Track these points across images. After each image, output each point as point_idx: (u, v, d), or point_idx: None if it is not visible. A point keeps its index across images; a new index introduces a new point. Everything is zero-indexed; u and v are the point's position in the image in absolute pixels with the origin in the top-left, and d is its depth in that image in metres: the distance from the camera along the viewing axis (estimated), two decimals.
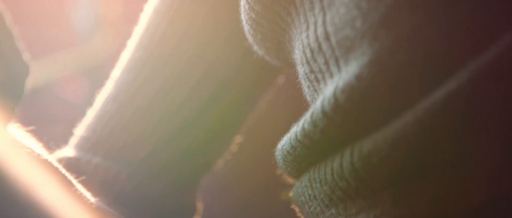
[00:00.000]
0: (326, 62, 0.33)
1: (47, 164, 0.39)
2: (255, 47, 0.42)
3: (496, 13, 0.29)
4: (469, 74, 0.28)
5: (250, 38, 0.41)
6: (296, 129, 0.35)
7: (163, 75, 0.51)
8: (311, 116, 0.33)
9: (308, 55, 0.34)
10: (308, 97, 0.37)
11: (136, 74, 0.52)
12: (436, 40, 0.29)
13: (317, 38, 0.33)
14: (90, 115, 0.54)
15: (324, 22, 0.33)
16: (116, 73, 0.54)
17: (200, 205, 0.55)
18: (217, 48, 0.50)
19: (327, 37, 0.33)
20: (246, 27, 0.40)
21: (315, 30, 0.34)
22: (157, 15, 0.52)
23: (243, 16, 0.40)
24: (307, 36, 0.35)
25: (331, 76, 0.33)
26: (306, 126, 0.34)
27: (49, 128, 1.87)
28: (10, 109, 0.38)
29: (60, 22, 1.90)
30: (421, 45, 0.29)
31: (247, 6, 0.39)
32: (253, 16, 0.38)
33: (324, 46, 0.33)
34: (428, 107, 0.29)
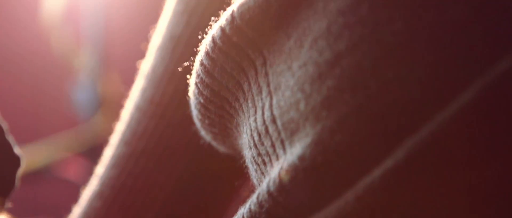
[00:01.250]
0: (273, 145, 0.34)
1: None
2: (202, 133, 0.43)
3: (427, 94, 0.30)
4: (405, 153, 0.30)
5: (198, 123, 0.42)
6: (243, 211, 0.36)
7: (146, 171, 0.52)
8: (257, 197, 0.34)
9: (256, 138, 0.36)
10: (255, 181, 0.38)
11: (119, 170, 0.52)
12: (374, 121, 0.30)
13: (264, 122, 0.35)
14: (76, 212, 0.54)
15: (270, 105, 0.35)
16: (100, 169, 0.55)
17: None
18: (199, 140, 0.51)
19: (273, 120, 0.34)
20: (194, 112, 0.42)
21: (262, 114, 0.35)
22: (138, 110, 0.53)
23: (192, 101, 0.41)
24: (255, 120, 0.36)
25: (277, 158, 0.34)
26: (252, 207, 0.34)
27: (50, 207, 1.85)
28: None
29: (60, 102, 1.91)
30: (360, 126, 0.31)
31: (196, 91, 0.40)
32: (202, 101, 0.40)
33: (271, 129, 0.34)
34: (367, 186, 0.30)
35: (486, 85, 0.29)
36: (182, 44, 0.52)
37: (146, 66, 0.54)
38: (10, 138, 0.38)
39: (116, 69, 1.67)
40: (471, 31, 0.30)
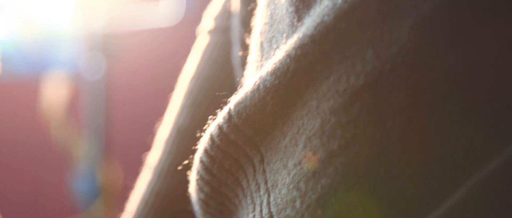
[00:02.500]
0: None
1: None
2: None
3: (420, 193, 0.31)
4: None
5: None
6: None
7: None
8: None
9: None
10: None
11: None
12: None
13: None
14: None
15: (268, 203, 0.35)
16: None
17: None
18: None
19: (270, 217, 0.35)
20: (196, 208, 0.42)
21: (261, 211, 0.36)
22: (144, 203, 0.54)
23: (193, 198, 0.42)
24: (254, 217, 0.37)
25: None
26: None
27: None
28: None
29: (60, 191, 1.90)
30: None
31: (196, 188, 0.41)
32: (202, 197, 0.40)
33: None
34: None
35: (479, 183, 0.30)
36: (188, 138, 0.53)
37: (153, 158, 0.54)
38: None
39: (116, 159, 1.67)
40: (462, 131, 0.30)
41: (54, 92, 1.88)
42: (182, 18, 1.79)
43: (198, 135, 0.41)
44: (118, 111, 1.84)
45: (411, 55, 0.31)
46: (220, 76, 0.53)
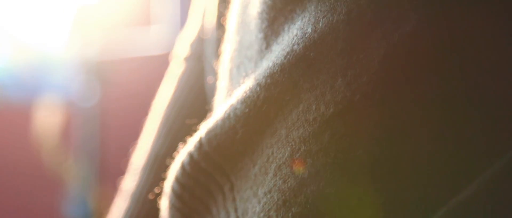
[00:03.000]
0: None
1: None
2: None
3: None
4: None
5: None
6: None
7: None
8: None
9: None
10: None
11: None
12: None
13: None
14: None
15: None
16: None
17: None
18: None
19: None
20: None
21: None
22: None
23: None
24: None
25: None
26: None
27: None
28: None
29: (54, 217, 1.90)
30: None
31: (168, 214, 0.40)
32: None
33: None
34: None
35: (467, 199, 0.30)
36: (165, 165, 0.53)
37: (129, 184, 0.54)
38: None
39: (108, 184, 1.67)
40: (431, 158, 0.31)
41: (48, 118, 1.88)
42: (174, 45, 1.80)
43: (169, 162, 0.40)
44: (111, 136, 1.84)
45: (382, 84, 0.31)
46: (196, 105, 0.53)
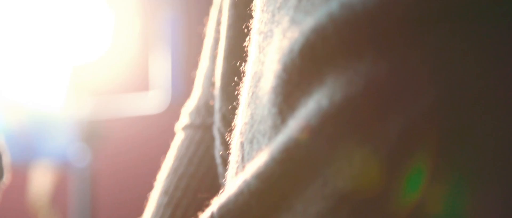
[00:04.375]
0: None
1: None
2: None
3: None
4: None
5: None
6: None
7: None
8: None
9: None
10: None
11: None
12: None
13: None
14: None
15: None
16: None
17: None
18: None
19: None
20: None
21: None
22: None
23: None
24: None
25: None
26: None
27: None
28: None
29: None
30: None
31: None
32: None
33: None
34: None
35: None
36: None
37: None
38: None
39: None
40: None
41: (42, 179, 1.87)
42: (168, 105, 1.81)
43: None
44: (104, 196, 1.83)
45: (400, 158, 0.30)
46: (197, 174, 0.53)
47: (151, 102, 1.85)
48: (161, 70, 1.86)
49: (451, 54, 0.31)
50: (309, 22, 0.33)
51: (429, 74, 0.31)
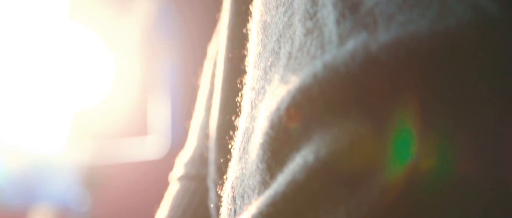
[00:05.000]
0: None
1: None
2: None
3: None
4: None
5: None
6: None
7: None
8: None
9: None
10: None
11: None
12: None
13: None
14: None
15: None
16: None
17: None
18: None
19: None
20: None
21: None
22: None
23: None
24: None
25: None
26: None
27: None
28: None
29: None
30: None
31: None
32: None
33: None
34: None
35: None
36: None
37: None
38: None
39: None
40: None
41: None
42: (168, 151, 1.81)
43: None
44: None
45: (382, 213, 0.31)
46: None
47: (151, 147, 1.85)
48: (161, 115, 1.87)
49: (431, 114, 0.32)
50: (295, 82, 0.34)
51: (411, 133, 0.32)
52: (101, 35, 1.98)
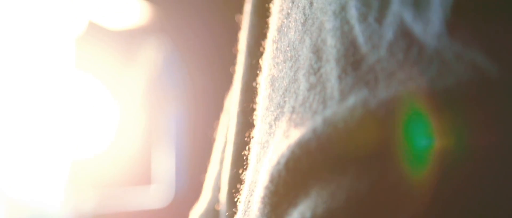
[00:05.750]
0: None
1: None
2: None
3: None
4: None
5: None
6: None
7: None
8: None
9: None
10: None
11: None
12: None
13: None
14: None
15: None
16: None
17: None
18: None
19: None
20: None
21: None
22: None
23: None
24: None
25: None
26: None
27: None
28: None
29: None
30: None
31: None
32: None
33: None
34: None
35: None
36: None
37: None
38: None
39: None
40: None
41: None
42: (171, 200, 1.81)
43: None
44: None
45: None
46: None
47: (154, 196, 1.85)
48: (165, 165, 1.87)
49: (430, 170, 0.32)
50: (295, 136, 0.34)
51: (407, 191, 0.32)
52: (106, 83, 1.99)
